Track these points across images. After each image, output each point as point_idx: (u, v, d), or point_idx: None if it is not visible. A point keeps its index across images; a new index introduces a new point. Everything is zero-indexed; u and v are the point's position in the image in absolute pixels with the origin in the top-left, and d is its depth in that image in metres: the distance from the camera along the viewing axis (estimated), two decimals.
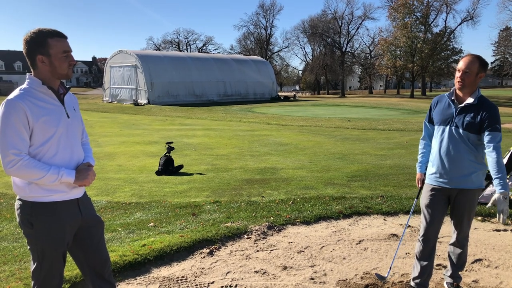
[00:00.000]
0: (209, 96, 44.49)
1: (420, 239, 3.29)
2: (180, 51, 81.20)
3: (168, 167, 8.73)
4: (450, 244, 3.36)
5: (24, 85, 2.31)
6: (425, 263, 3.27)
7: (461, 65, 2.98)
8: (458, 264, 3.35)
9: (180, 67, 43.00)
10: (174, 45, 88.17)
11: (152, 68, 40.03)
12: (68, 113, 2.42)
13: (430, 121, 3.30)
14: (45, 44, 2.26)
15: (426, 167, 3.33)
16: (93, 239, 2.56)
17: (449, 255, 3.40)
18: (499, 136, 2.95)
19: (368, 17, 75.94)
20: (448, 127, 3.06)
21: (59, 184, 2.33)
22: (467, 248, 3.37)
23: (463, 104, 3.02)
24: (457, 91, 3.08)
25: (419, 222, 3.63)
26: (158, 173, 8.64)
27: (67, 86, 2.48)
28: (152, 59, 41.59)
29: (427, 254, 3.27)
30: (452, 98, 3.09)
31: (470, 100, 3.00)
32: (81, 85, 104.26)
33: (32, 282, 2.47)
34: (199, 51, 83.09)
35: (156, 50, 74.93)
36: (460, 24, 63.20)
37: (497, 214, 2.85)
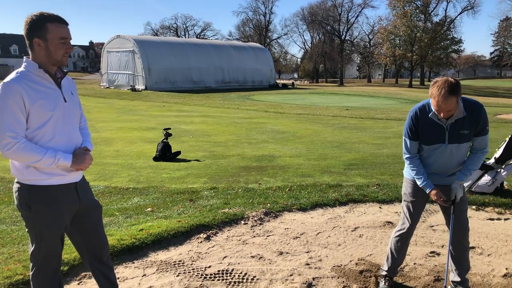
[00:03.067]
0: (207, 82, 44.30)
1: (400, 234, 3.25)
2: (178, 36, 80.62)
3: (165, 153, 8.75)
4: (452, 247, 3.17)
5: (21, 68, 2.30)
6: (401, 255, 3.30)
7: (441, 106, 2.74)
8: (464, 265, 3.18)
9: (178, 53, 42.72)
10: (172, 31, 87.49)
11: (150, 53, 39.76)
12: (65, 97, 2.41)
13: (414, 138, 3.02)
14: (43, 28, 2.25)
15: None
16: (91, 223, 2.58)
17: (452, 260, 3.21)
18: (487, 139, 2.99)
19: (368, 5, 75.70)
20: (442, 145, 2.95)
21: (56, 168, 2.34)
22: (468, 251, 3.20)
23: (453, 120, 2.88)
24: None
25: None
26: (156, 159, 8.66)
27: (65, 70, 2.47)
28: (150, 44, 41.28)
29: (405, 247, 3.29)
30: (438, 117, 2.88)
31: (459, 114, 2.85)
32: (78, 70, 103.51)
33: (31, 264, 2.50)
34: (197, 37, 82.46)
35: (154, 36, 74.35)
36: (461, 13, 63.00)
37: (453, 195, 3.03)
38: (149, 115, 18.05)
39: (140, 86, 38.97)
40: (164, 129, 9.29)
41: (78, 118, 2.57)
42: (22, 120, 2.23)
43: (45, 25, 2.25)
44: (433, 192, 3.02)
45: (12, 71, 2.32)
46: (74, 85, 2.58)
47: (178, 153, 9.02)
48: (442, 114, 2.80)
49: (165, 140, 8.94)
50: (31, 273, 2.50)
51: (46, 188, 2.35)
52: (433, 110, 2.86)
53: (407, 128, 3.04)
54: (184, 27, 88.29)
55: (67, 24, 2.34)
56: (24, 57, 2.35)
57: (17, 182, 2.38)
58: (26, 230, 2.45)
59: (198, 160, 8.54)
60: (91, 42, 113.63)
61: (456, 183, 3.02)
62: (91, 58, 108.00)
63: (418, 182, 3.08)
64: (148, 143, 10.69)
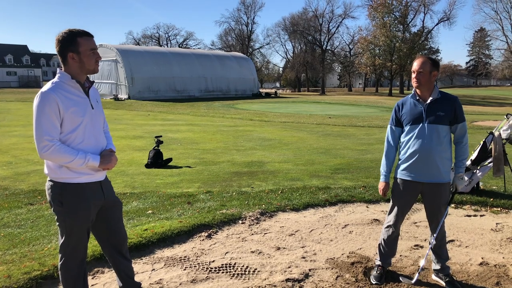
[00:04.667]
0: (190, 91, 44.52)
1: (389, 227, 3.57)
2: (160, 46, 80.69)
3: (157, 160, 8.97)
4: (431, 240, 3.55)
5: (55, 79, 2.60)
6: (390, 248, 3.61)
7: (415, 66, 3.27)
8: (443, 255, 3.52)
9: (161, 62, 42.89)
10: (154, 40, 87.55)
11: (133, 62, 39.82)
12: (92, 105, 2.72)
13: (397, 124, 3.46)
14: (75, 43, 2.55)
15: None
16: (114, 218, 2.88)
17: (432, 251, 3.56)
18: (465, 126, 3.38)
19: (348, 15, 77.27)
20: (420, 125, 3.31)
21: (85, 167, 2.62)
22: (445, 241, 3.57)
23: (429, 101, 3.31)
24: (418, 91, 3.36)
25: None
26: (148, 166, 8.86)
27: (92, 81, 2.77)
28: (132, 53, 41.35)
29: (393, 240, 3.61)
30: (417, 98, 3.36)
31: (434, 95, 3.29)
32: None
33: (60, 255, 2.76)
34: (179, 47, 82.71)
35: (136, 45, 74.26)
36: (437, 24, 65.07)
37: (455, 187, 3.43)
38: (135, 124, 18.16)
39: (123, 95, 38.94)
40: (156, 137, 9.51)
41: (103, 123, 2.86)
42: (57, 125, 2.52)
43: (76, 40, 2.56)
44: (383, 183, 3.54)
45: None
46: (98, 94, 2.90)
47: (170, 160, 9.25)
48: (414, 74, 3.26)
49: (156, 148, 9.16)
50: (59, 263, 2.75)
51: (76, 186, 2.62)
52: (414, 92, 3.35)
53: (392, 115, 3.52)
54: (166, 36, 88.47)
55: (93, 36, 2.67)
56: (58, 69, 2.65)
57: (50, 181, 2.65)
58: (57, 224, 2.71)
59: (189, 167, 8.78)
60: None
61: (456, 177, 3.42)
62: None
63: (381, 169, 3.58)
64: (137, 151, 10.87)
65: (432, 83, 3.31)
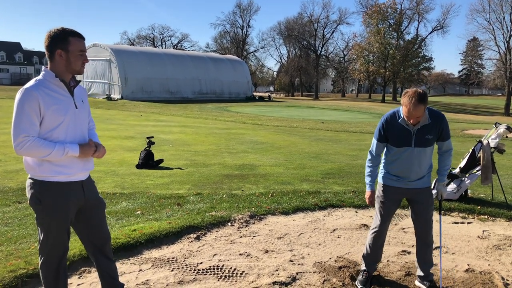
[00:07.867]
0: (184, 93, 44.43)
1: (374, 232, 3.60)
2: (155, 47, 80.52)
3: (148, 161, 8.95)
4: (417, 245, 3.62)
5: (40, 77, 2.59)
6: (376, 252, 3.64)
7: (411, 112, 3.11)
8: (428, 262, 3.58)
9: (155, 63, 42.77)
10: (148, 41, 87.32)
11: (127, 63, 39.67)
12: (76, 104, 2.70)
13: (383, 140, 3.42)
14: (66, 41, 2.56)
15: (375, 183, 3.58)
16: (95, 218, 2.87)
17: (417, 256, 3.63)
18: (451, 142, 3.45)
19: (343, 21, 77.54)
20: (408, 148, 3.31)
21: (66, 159, 2.59)
22: (432, 248, 3.62)
23: (419, 126, 3.24)
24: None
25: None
26: (138, 166, 8.84)
27: (78, 80, 2.76)
28: (127, 54, 41.21)
29: (379, 245, 3.64)
30: (407, 123, 3.24)
31: (424, 121, 3.23)
32: None
33: (39, 254, 2.75)
34: (174, 48, 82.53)
35: (130, 45, 74.01)
36: (431, 32, 65.76)
37: (440, 195, 3.55)
38: (127, 124, 18.10)
39: (116, 95, 38.77)
40: (147, 138, 9.50)
41: (87, 122, 2.86)
42: (36, 122, 2.50)
43: (67, 39, 2.56)
44: (369, 193, 3.54)
45: None
46: (85, 93, 2.89)
47: (161, 161, 9.23)
48: (411, 121, 3.20)
49: (148, 148, 9.14)
50: (39, 261, 2.76)
51: (55, 184, 2.61)
52: (403, 116, 3.26)
53: (377, 130, 3.46)
54: (161, 37, 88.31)
55: (84, 39, 2.67)
56: (43, 66, 2.65)
57: (30, 178, 2.65)
58: (36, 222, 2.71)
59: (180, 168, 8.77)
60: None
61: (439, 185, 3.48)
62: None
63: (366, 180, 3.54)
64: (128, 151, 10.82)
65: None
